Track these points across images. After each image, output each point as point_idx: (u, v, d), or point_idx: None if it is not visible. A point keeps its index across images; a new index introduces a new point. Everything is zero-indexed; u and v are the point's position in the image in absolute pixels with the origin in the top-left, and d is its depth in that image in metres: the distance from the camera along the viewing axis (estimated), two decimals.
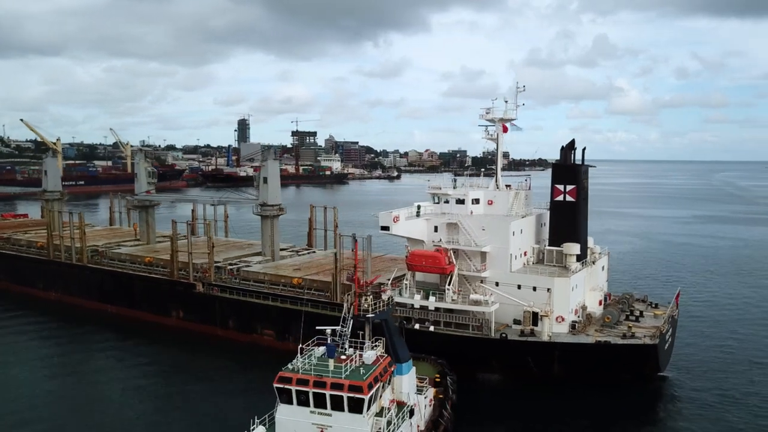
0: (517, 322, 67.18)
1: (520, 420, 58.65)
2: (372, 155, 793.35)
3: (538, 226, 76.33)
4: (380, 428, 42.90)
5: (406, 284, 69.44)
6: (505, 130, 75.67)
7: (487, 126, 77.45)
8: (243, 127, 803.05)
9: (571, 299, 66.40)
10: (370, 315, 47.88)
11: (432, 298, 67.09)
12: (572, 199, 70.98)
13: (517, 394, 63.42)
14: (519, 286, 67.44)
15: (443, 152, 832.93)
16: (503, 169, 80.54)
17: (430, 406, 53.12)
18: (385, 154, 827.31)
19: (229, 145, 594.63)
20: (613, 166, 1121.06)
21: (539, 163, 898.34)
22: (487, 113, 76.59)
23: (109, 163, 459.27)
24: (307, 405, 43.01)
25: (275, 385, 43.20)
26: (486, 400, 62.27)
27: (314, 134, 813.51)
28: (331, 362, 44.23)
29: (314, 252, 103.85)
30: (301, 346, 46.50)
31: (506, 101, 75.62)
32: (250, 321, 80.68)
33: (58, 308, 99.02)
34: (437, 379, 57.97)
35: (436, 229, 72.12)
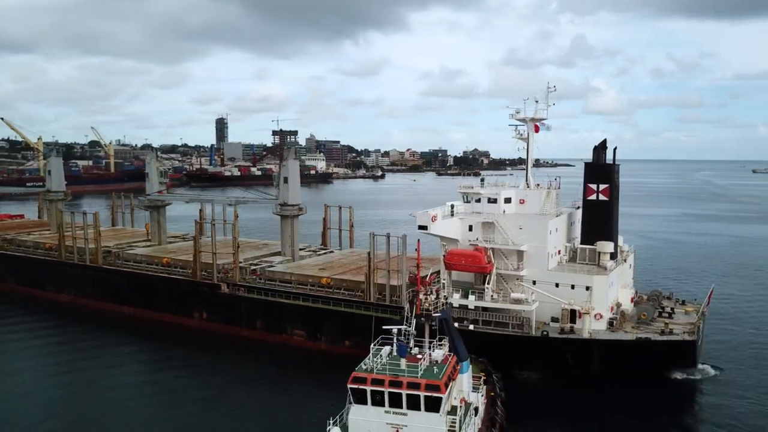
0: (554, 319, 67.86)
1: (564, 416, 59.37)
2: (353, 154, 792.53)
3: (568, 224, 77.22)
4: (454, 427, 43.08)
5: (443, 283, 69.63)
6: (537, 129, 76.36)
7: (517, 125, 78.11)
8: (221, 126, 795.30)
9: (608, 297, 67.36)
10: (436, 314, 47.98)
11: (472, 297, 67.44)
12: (605, 198, 71.96)
13: (557, 391, 63.99)
14: (557, 285, 68.16)
15: (424, 151, 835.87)
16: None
17: (484, 403, 53.50)
18: (366, 153, 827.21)
19: (212, 145, 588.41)
20: None
21: (520, 162, 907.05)
22: (517, 113, 77.17)
23: (90, 162, 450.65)
24: (382, 405, 42.94)
25: (349, 385, 43.06)
26: (528, 398, 62.67)
27: (295, 133, 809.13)
28: (403, 361, 44.30)
29: (332, 252, 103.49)
30: (372, 346, 46.50)
31: (537, 101, 76.28)
32: (279, 321, 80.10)
33: (71, 310, 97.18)
34: (483, 378, 58.35)
35: (470, 228, 72.50)
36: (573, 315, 66.57)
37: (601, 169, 72.78)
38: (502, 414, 53.14)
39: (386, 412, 43.06)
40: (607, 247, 70.72)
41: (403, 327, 47.50)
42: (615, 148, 74.34)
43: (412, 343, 47.04)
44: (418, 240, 54.81)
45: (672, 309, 72.81)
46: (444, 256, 69.71)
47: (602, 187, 71.91)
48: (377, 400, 43.04)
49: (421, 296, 48.63)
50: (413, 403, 42.41)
